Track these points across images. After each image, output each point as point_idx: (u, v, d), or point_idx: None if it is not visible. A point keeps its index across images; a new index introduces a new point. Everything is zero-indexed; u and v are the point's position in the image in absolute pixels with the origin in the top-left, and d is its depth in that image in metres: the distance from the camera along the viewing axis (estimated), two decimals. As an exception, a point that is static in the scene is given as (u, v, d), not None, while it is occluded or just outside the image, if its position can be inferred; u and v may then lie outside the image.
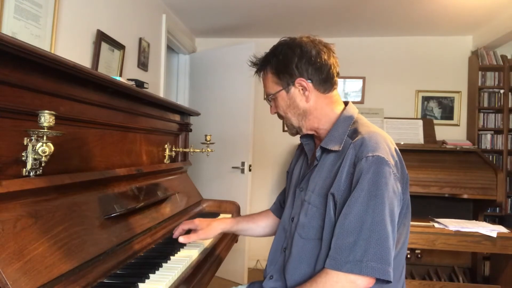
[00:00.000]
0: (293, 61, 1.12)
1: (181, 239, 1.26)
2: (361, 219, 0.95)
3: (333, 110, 1.16)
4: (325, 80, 1.13)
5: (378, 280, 0.94)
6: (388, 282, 0.95)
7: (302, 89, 1.13)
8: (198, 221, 1.36)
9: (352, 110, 1.16)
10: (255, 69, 1.23)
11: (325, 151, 1.11)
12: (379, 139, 1.03)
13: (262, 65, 1.19)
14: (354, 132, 1.08)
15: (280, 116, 1.23)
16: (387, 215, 0.95)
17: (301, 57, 1.11)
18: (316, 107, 1.14)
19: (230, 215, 1.97)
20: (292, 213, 1.18)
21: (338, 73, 1.16)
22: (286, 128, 1.26)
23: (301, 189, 1.17)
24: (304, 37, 1.15)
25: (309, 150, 1.24)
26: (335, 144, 1.08)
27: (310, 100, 1.14)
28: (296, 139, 1.32)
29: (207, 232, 1.32)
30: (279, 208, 1.42)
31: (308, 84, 1.12)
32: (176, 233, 1.36)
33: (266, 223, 1.42)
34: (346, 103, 1.19)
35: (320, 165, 1.12)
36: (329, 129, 1.14)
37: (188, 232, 1.37)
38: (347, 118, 1.13)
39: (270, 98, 1.20)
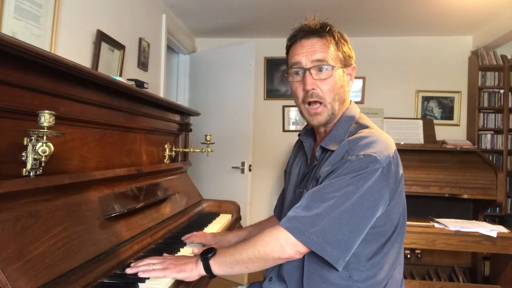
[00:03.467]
0: (350, 46, 1.10)
1: (196, 251, 1.23)
2: (335, 200, 0.93)
3: (346, 106, 1.14)
4: None
5: (329, 265, 0.94)
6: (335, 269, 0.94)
7: (349, 77, 1.11)
8: (210, 237, 1.35)
9: (354, 109, 1.14)
10: (299, 34, 1.08)
11: (324, 150, 1.10)
12: (376, 139, 1.01)
13: (331, 31, 1.07)
14: (355, 132, 1.06)
15: (315, 96, 1.05)
16: (360, 207, 0.94)
17: (350, 46, 1.11)
18: (347, 99, 1.14)
19: (230, 215, 1.97)
20: None
21: None
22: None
23: (301, 189, 1.16)
24: None
25: (309, 148, 1.21)
26: (335, 144, 1.06)
27: (348, 91, 1.12)
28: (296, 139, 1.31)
29: (223, 244, 1.31)
30: (281, 212, 1.40)
31: (354, 76, 1.12)
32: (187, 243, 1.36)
33: None
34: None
35: (320, 165, 1.10)
36: (332, 127, 1.11)
37: None
38: (349, 118, 1.11)
39: (327, 68, 1.04)
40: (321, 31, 1.06)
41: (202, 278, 1.21)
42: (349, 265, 1.00)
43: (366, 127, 1.08)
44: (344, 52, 1.08)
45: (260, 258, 0.97)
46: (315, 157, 1.13)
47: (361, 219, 0.94)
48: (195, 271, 1.02)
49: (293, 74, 1.09)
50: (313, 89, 1.05)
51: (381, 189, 0.96)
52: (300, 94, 1.08)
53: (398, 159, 1.05)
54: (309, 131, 1.23)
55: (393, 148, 1.03)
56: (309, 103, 1.07)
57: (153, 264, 1.02)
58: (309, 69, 1.05)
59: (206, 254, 1.02)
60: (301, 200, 0.99)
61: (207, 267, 1.01)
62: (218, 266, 1.01)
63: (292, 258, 0.97)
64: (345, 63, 1.08)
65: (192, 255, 1.21)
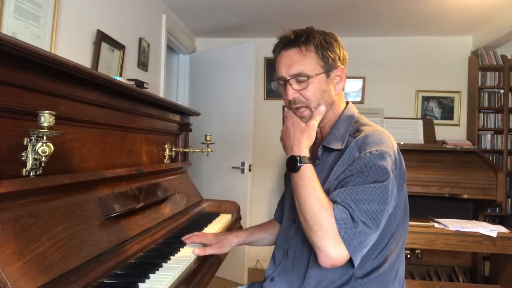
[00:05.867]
0: (336, 48, 1.10)
1: (197, 251, 1.24)
2: (373, 205, 0.94)
3: (341, 108, 1.15)
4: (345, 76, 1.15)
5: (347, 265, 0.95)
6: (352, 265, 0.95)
7: (338, 79, 1.11)
8: (211, 237, 1.33)
9: (353, 109, 1.16)
10: (277, 50, 1.11)
11: (326, 150, 1.11)
12: (382, 135, 1.04)
13: (307, 39, 1.07)
14: (357, 131, 1.07)
15: (298, 102, 1.09)
16: (382, 206, 0.95)
17: (340, 46, 1.11)
18: (337, 101, 1.14)
19: (230, 215, 1.97)
20: (293, 215, 1.17)
21: None
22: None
23: None
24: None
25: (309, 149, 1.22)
26: (338, 143, 1.07)
27: (338, 93, 1.13)
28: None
29: (222, 247, 1.29)
30: (282, 216, 1.40)
31: (344, 75, 1.11)
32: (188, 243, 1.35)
33: (274, 231, 1.39)
34: (346, 103, 1.19)
35: (321, 164, 1.11)
36: (331, 126, 1.13)
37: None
38: (348, 117, 1.13)
39: (304, 78, 1.07)
40: (297, 41, 1.08)
41: (202, 278, 1.21)
42: None
43: (366, 125, 1.10)
44: (327, 56, 1.08)
45: (309, 223, 0.95)
46: (316, 156, 1.13)
47: (382, 219, 0.97)
48: (299, 149, 1.04)
49: (278, 85, 1.14)
50: (295, 97, 1.09)
51: (393, 187, 0.99)
52: (286, 102, 1.13)
53: (401, 154, 1.08)
54: None
55: (395, 144, 1.07)
56: (296, 108, 1.11)
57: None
58: (288, 80, 1.09)
59: (302, 161, 1.02)
60: (341, 202, 0.96)
61: (297, 164, 1.01)
62: (305, 174, 1.00)
63: (322, 263, 0.94)
64: (329, 67, 1.09)
65: (192, 253, 1.22)
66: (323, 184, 1.05)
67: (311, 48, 1.07)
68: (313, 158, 1.16)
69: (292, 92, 1.08)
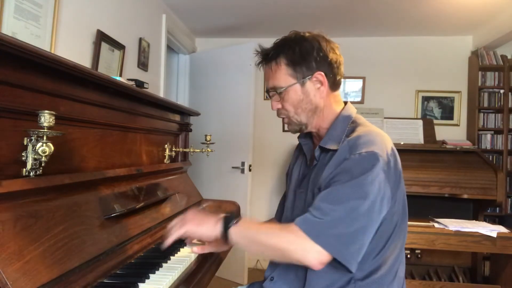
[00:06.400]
0: (311, 54, 1.10)
1: (195, 250, 1.25)
2: (349, 203, 0.95)
3: (336, 109, 1.15)
4: (336, 77, 1.14)
5: (341, 266, 0.96)
6: (349, 271, 0.96)
7: (318, 84, 1.11)
8: None
9: (351, 109, 1.16)
10: (256, 65, 1.17)
11: (324, 150, 1.11)
12: (375, 137, 1.03)
13: (275, 54, 1.11)
14: (352, 131, 1.08)
15: (280, 114, 1.17)
16: (372, 208, 0.96)
17: (319, 50, 1.10)
18: (326, 104, 1.14)
19: (230, 215, 1.97)
20: (293, 215, 1.16)
21: (343, 73, 1.16)
22: (286, 128, 1.21)
23: (302, 190, 1.16)
24: (313, 33, 1.13)
25: (308, 150, 1.23)
26: (334, 143, 1.08)
27: (323, 96, 1.13)
28: (297, 139, 1.31)
29: (221, 244, 1.28)
30: (281, 216, 1.40)
31: (325, 79, 1.11)
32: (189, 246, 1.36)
33: None
34: (345, 103, 1.19)
35: (319, 165, 1.11)
36: (328, 127, 1.13)
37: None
38: (345, 118, 1.13)
39: (279, 91, 1.12)
40: (267, 58, 1.14)
41: (202, 278, 1.22)
42: None
43: (362, 126, 1.09)
44: (300, 65, 1.10)
45: (280, 251, 0.98)
46: (314, 157, 1.14)
47: (372, 220, 0.97)
48: (213, 230, 1.04)
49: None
50: (277, 108, 1.17)
51: (385, 187, 0.98)
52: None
53: (396, 155, 1.07)
54: (307, 134, 1.24)
55: (390, 145, 1.06)
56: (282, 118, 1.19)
57: (173, 227, 1.07)
58: (269, 93, 1.17)
59: (229, 220, 1.04)
60: (315, 202, 1.00)
61: (225, 232, 1.03)
62: (237, 236, 1.03)
63: (312, 267, 0.96)
64: (304, 75, 1.10)
65: (191, 252, 1.22)
66: (318, 184, 1.06)
67: (280, 62, 1.11)
68: (312, 159, 1.17)
69: (273, 104, 1.17)
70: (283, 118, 1.18)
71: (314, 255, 0.94)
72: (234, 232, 1.03)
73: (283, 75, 1.11)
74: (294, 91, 1.11)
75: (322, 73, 1.10)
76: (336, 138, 1.09)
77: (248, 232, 1.03)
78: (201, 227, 1.06)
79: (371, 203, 0.96)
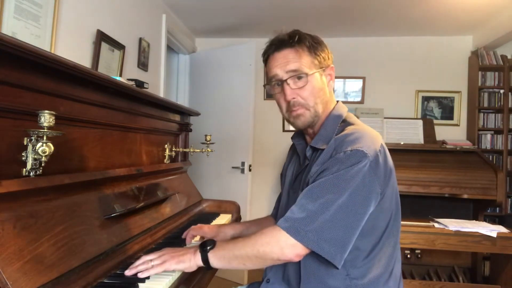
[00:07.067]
0: (325, 48, 1.12)
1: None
2: (328, 197, 0.95)
3: (330, 107, 1.15)
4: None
5: (327, 263, 0.96)
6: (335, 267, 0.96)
7: (329, 77, 1.13)
8: (207, 229, 1.35)
9: (342, 109, 1.16)
10: (274, 47, 1.11)
11: (315, 150, 1.11)
12: (362, 134, 1.03)
13: (300, 40, 1.08)
14: (342, 131, 1.08)
15: (295, 104, 1.08)
16: (353, 203, 0.96)
17: (327, 47, 1.12)
18: (330, 100, 1.15)
19: (230, 215, 1.97)
20: None
21: None
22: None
23: (295, 190, 1.16)
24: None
25: (301, 150, 1.22)
26: (323, 143, 1.08)
27: (330, 91, 1.14)
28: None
29: (217, 239, 1.29)
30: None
31: (334, 74, 1.14)
32: (187, 240, 1.36)
33: None
34: (336, 102, 1.19)
35: (311, 164, 1.11)
36: (320, 126, 1.13)
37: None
38: (336, 117, 1.13)
39: (303, 76, 1.07)
40: (291, 41, 1.09)
41: (202, 278, 1.21)
42: (346, 262, 1.00)
43: (352, 124, 1.09)
44: (319, 55, 1.10)
45: (258, 257, 0.98)
46: (306, 157, 1.14)
47: (355, 214, 0.96)
48: (193, 262, 1.02)
49: (274, 86, 1.13)
50: (294, 98, 1.08)
51: (372, 183, 0.98)
52: (283, 104, 1.12)
53: (386, 152, 1.06)
54: (300, 134, 1.25)
55: (379, 142, 1.05)
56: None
57: (151, 260, 1.02)
58: (286, 80, 1.08)
59: (205, 246, 1.03)
60: (297, 199, 1.01)
61: (205, 259, 1.02)
62: (216, 259, 1.02)
63: (291, 261, 0.98)
64: (321, 65, 1.10)
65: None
66: (306, 182, 1.07)
67: (304, 48, 1.08)
68: (304, 159, 1.17)
69: (290, 92, 1.08)
70: (291, 111, 1.11)
71: (289, 249, 0.95)
72: (213, 256, 1.02)
73: (308, 61, 1.08)
74: (316, 79, 1.09)
75: (334, 68, 1.13)
76: (326, 138, 1.08)
77: (225, 252, 1.02)
78: (181, 263, 1.02)
79: (349, 197, 0.95)
